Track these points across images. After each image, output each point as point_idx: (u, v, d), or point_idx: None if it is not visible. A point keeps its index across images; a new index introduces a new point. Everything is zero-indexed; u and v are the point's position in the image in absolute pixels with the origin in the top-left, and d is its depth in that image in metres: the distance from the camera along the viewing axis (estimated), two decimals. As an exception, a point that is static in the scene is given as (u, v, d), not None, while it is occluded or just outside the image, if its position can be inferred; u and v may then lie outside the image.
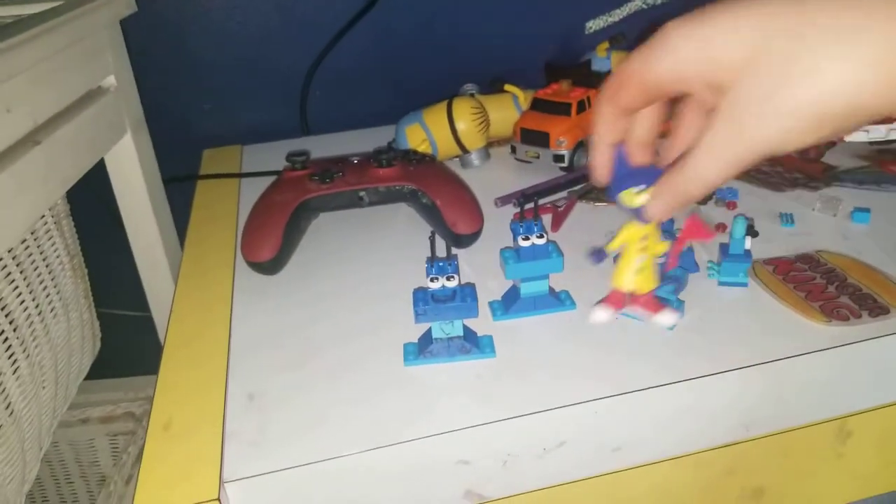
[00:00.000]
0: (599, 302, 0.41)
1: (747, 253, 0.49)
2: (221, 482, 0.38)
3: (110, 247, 0.76)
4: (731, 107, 0.29)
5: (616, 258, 0.41)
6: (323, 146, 0.80)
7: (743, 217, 0.48)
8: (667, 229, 0.48)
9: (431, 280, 0.43)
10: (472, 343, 0.45)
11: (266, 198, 0.58)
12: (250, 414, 0.42)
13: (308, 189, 0.57)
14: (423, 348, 0.45)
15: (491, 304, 0.50)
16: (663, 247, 0.40)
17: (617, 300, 0.41)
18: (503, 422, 0.40)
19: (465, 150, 0.71)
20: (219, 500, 0.36)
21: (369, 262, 0.57)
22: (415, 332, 0.47)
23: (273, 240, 0.54)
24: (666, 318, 0.41)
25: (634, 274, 0.40)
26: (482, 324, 0.47)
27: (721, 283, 0.50)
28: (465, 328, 0.45)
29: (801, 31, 0.27)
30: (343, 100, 0.92)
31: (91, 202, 0.82)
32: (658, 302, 0.42)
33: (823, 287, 0.49)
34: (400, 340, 0.47)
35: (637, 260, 0.40)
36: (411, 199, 0.59)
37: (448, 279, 0.43)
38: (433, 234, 0.44)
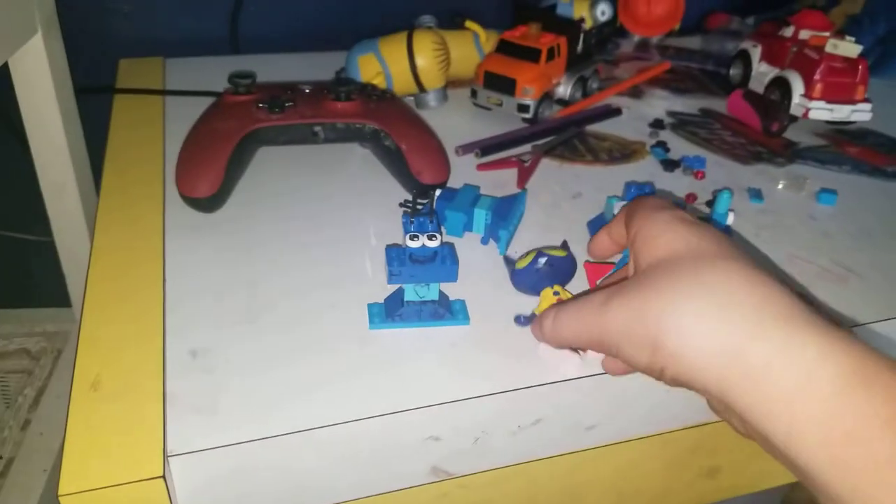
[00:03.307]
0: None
1: (727, 229, 0.48)
2: (166, 456, 0.32)
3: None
4: None
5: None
6: (255, 67, 0.72)
7: (729, 191, 0.47)
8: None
9: (411, 238, 0.39)
10: (446, 308, 0.41)
11: (206, 124, 0.51)
12: (194, 374, 0.37)
13: (256, 118, 0.50)
14: (391, 311, 0.41)
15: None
16: None
17: None
18: (482, 398, 0.37)
19: (422, 89, 0.66)
20: (164, 477, 0.32)
21: (318, 207, 0.52)
22: (374, 290, 0.42)
23: (214, 173, 0.48)
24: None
25: None
26: (456, 288, 0.43)
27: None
28: (439, 292, 0.41)
29: None
30: (281, 17, 0.83)
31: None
32: None
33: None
34: (358, 298, 0.42)
35: None
36: (372, 140, 0.53)
37: (430, 238, 0.39)
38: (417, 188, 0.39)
